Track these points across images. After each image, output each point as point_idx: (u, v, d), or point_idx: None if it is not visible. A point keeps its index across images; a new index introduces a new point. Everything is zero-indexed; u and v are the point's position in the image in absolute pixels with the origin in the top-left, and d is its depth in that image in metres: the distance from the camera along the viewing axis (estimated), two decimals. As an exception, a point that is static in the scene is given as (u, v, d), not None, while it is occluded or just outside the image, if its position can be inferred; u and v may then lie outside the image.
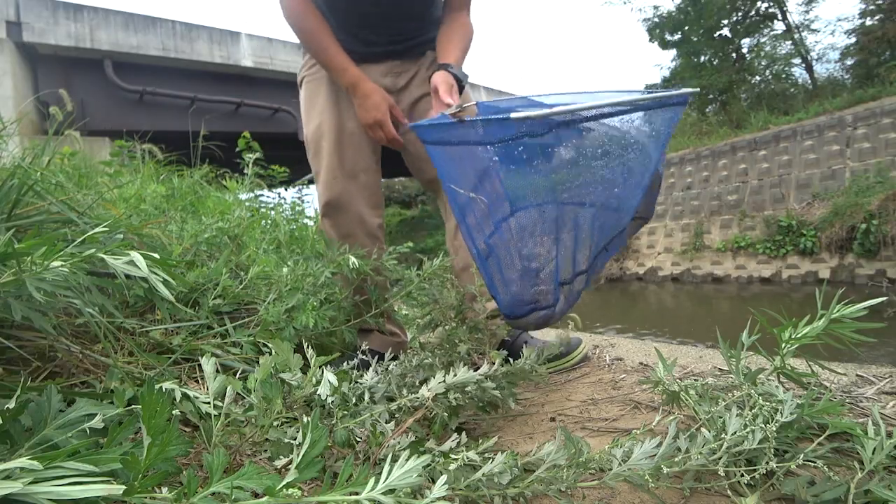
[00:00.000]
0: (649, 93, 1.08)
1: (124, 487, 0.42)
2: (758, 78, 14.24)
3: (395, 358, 1.23)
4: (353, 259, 1.27)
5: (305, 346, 0.90)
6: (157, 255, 0.63)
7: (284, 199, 2.79)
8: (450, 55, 1.33)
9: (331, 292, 1.36)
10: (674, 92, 0.89)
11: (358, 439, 0.82)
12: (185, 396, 0.75)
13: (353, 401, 0.91)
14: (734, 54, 14.51)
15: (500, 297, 1.10)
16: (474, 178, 0.98)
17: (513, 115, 0.76)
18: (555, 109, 0.76)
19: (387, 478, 0.48)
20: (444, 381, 0.86)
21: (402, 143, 1.36)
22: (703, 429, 0.71)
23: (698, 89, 1.05)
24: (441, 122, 1.00)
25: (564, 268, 1.04)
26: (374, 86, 1.32)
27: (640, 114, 0.87)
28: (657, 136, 0.92)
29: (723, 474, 0.65)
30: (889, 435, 0.68)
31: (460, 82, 1.27)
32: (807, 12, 13.79)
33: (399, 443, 0.77)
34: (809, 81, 13.42)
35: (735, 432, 0.66)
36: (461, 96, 1.30)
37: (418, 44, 1.44)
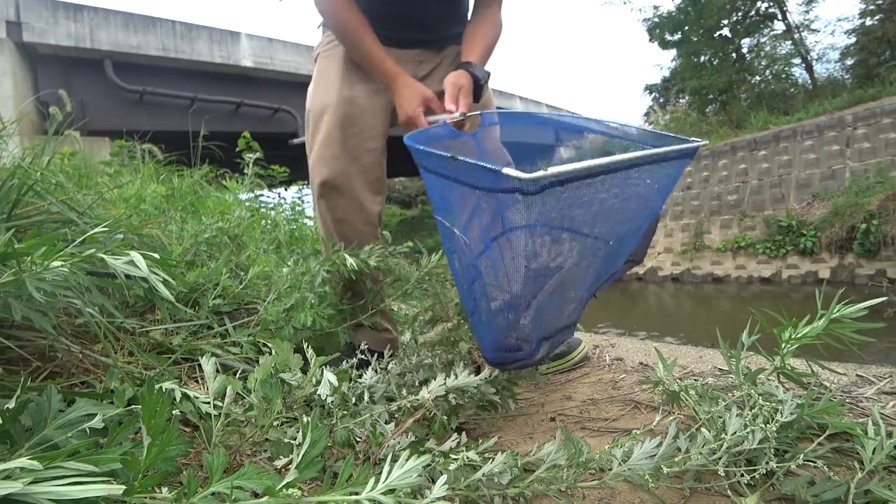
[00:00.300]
0: (654, 134, 1.03)
1: (124, 487, 0.42)
2: (758, 78, 14.23)
3: (391, 355, 1.22)
4: (350, 259, 1.24)
5: (305, 347, 0.90)
6: (157, 255, 0.63)
7: (284, 199, 2.80)
8: (472, 53, 1.30)
9: (327, 291, 1.34)
10: (682, 146, 0.85)
11: (358, 439, 0.82)
12: (185, 396, 0.75)
13: (353, 401, 0.91)
14: (734, 54, 14.50)
15: (482, 335, 1.02)
16: (466, 214, 0.93)
17: (505, 170, 0.72)
18: (550, 171, 0.69)
19: (387, 478, 0.48)
20: (444, 384, 0.86)
21: None
22: (703, 429, 0.71)
23: (707, 141, 1.01)
24: (433, 150, 0.91)
25: (550, 322, 0.98)
26: (410, 81, 1.26)
27: (647, 166, 0.83)
28: (661, 187, 0.89)
29: (723, 474, 0.65)
30: (889, 435, 0.68)
31: (478, 81, 1.24)
32: (807, 12, 13.78)
33: (399, 443, 0.77)
34: (809, 81, 13.42)
35: (735, 432, 0.66)
36: (483, 94, 1.28)
37: (442, 37, 1.41)
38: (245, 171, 2.24)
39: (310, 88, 1.42)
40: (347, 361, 1.16)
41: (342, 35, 1.32)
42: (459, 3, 1.42)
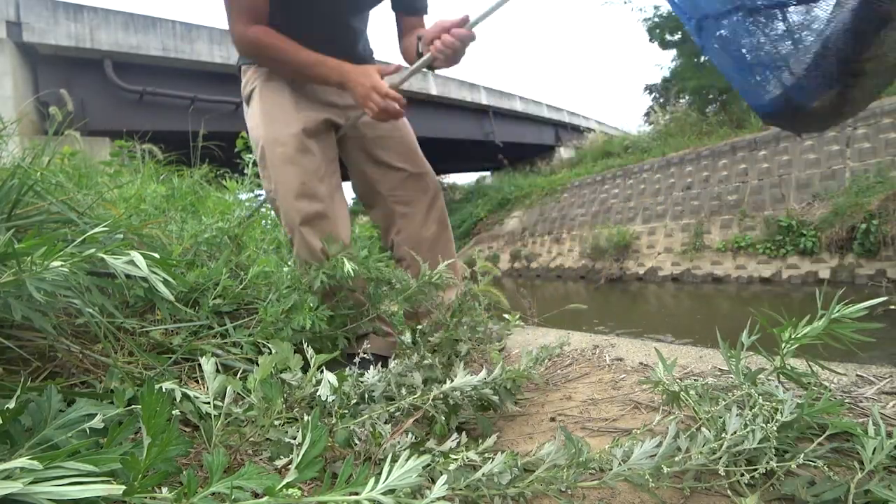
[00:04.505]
0: None
1: (124, 487, 0.42)
2: (758, 78, 14.20)
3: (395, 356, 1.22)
4: (349, 265, 1.21)
5: (305, 347, 0.90)
6: (157, 255, 0.63)
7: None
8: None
9: (325, 294, 1.33)
10: None
11: (358, 439, 0.82)
12: (185, 396, 0.75)
13: (355, 400, 0.91)
14: (734, 54, 14.48)
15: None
16: None
17: None
18: None
19: (387, 478, 0.48)
20: (441, 391, 0.86)
21: (400, 109, 1.27)
22: (703, 429, 0.71)
23: None
24: None
25: None
26: (355, 65, 1.29)
27: None
28: None
29: (723, 474, 0.65)
30: (889, 435, 0.68)
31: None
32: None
33: (399, 443, 0.77)
34: (809, 81, 13.40)
35: (735, 432, 0.66)
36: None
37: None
38: (245, 171, 2.23)
39: (254, 124, 1.40)
40: (350, 368, 1.16)
41: (276, 57, 1.31)
42: (365, 32, 1.50)
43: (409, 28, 1.47)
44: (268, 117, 1.36)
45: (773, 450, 0.65)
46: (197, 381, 1.00)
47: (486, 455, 0.70)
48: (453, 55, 1.22)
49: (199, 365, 0.83)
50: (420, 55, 1.30)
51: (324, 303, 1.30)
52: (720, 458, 0.65)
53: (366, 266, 1.28)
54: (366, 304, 1.36)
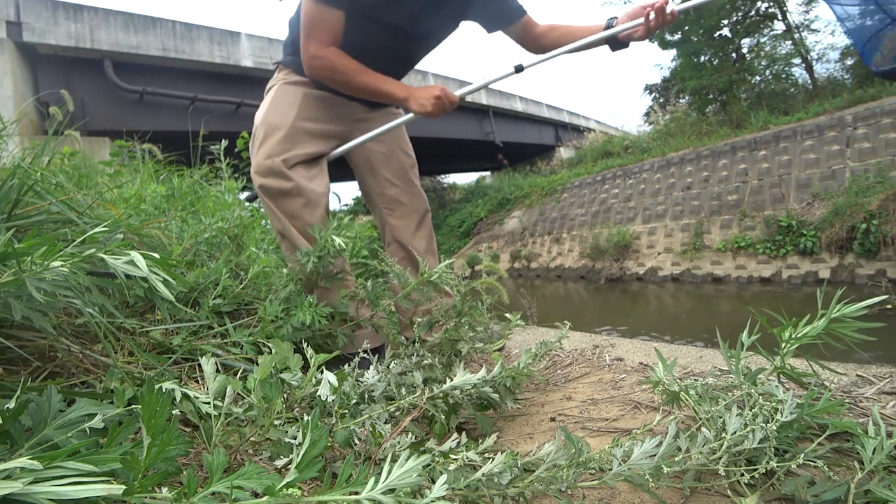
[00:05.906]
0: None
1: (124, 487, 0.42)
2: (758, 78, 14.22)
3: (393, 354, 1.23)
4: (338, 240, 1.24)
5: (305, 347, 0.90)
6: (157, 255, 0.63)
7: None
8: (577, 28, 1.57)
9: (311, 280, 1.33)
10: None
11: (358, 439, 0.82)
12: (185, 396, 0.75)
13: (355, 400, 0.91)
14: (734, 54, 14.49)
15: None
16: None
17: None
18: None
19: (387, 478, 0.48)
20: (441, 390, 0.86)
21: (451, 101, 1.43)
22: (703, 428, 0.71)
23: None
24: None
25: None
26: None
27: None
28: None
29: (723, 474, 0.65)
30: (889, 435, 0.68)
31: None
32: (807, 12, 13.76)
33: (399, 443, 0.77)
34: (809, 81, 13.41)
35: (735, 432, 0.66)
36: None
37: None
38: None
39: (268, 107, 1.49)
40: (349, 365, 1.16)
41: (347, 74, 1.40)
42: (408, 70, 1.60)
43: (528, 26, 1.63)
44: (272, 106, 1.47)
45: (773, 450, 0.65)
46: (197, 381, 1.00)
47: (486, 455, 0.70)
48: (657, 27, 1.41)
49: (199, 365, 0.83)
50: (610, 27, 1.48)
51: (309, 291, 1.34)
52: (720, 458, 0.65)
53: (337, 234, 1.28)
54: (356, 291, 1.38)
